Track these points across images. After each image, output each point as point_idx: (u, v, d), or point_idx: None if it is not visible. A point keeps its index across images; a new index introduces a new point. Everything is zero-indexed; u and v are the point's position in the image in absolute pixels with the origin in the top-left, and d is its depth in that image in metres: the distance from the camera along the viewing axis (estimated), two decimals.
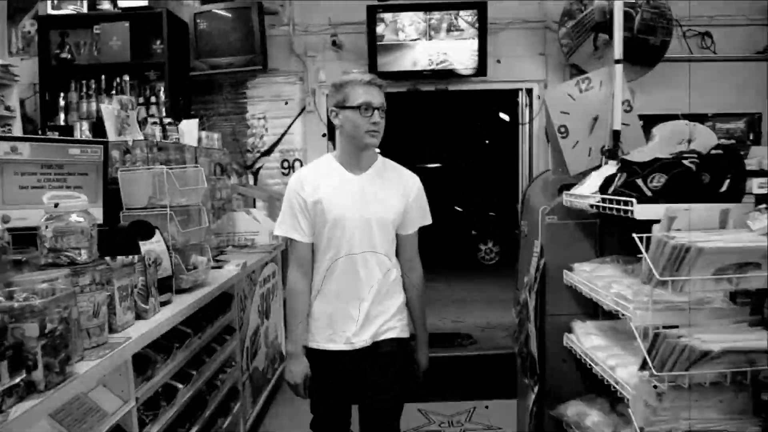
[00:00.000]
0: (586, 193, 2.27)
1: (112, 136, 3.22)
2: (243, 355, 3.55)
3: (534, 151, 5.41)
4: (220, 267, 3.36)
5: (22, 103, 5.03)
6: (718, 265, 1.65)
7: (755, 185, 1.79)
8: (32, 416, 1.55)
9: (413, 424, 3.85)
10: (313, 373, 2.40)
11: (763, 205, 1.76)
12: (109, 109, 3.24)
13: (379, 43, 5.03)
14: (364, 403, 2.38)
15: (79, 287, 1.90)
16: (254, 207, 4.77)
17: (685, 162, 1.87)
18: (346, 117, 2.28)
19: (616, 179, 2.05)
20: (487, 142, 10.16)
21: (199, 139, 4.09)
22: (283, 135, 5.31)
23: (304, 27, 5.31)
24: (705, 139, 2.09)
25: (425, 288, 2.54)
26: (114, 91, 4.96)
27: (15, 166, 2.30)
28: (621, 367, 2.05)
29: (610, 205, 2.00)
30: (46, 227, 1.97)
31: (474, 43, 5.06)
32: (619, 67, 2.59)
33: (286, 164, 5.36)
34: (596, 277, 2.29)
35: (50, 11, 5.06)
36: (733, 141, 2.04)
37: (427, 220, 2.49)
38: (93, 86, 5.00)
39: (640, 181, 1.90)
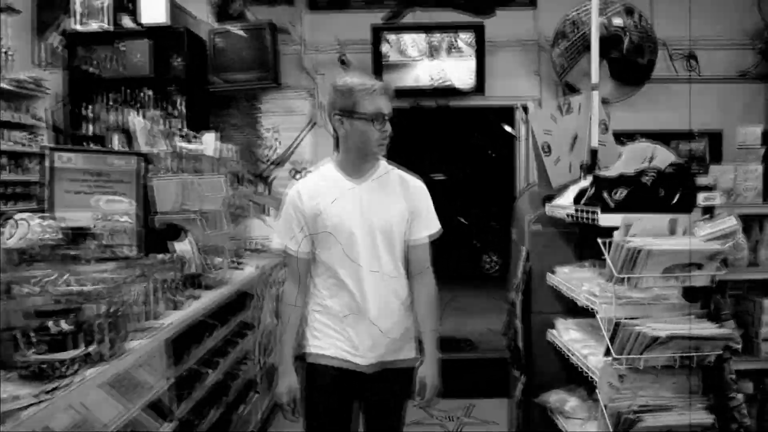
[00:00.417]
0: (565, 203, 2.61)
1: (141, 147, 3.56)
2: (259, 351, 3.88)
3: (530, 165, 5.75)
4: (238, 268, 3.69)
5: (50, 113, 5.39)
6: (666, 265, 1.98)
7: (701, 198, 2.13)
8: (99, 379, 1.89)
9: (414, 418, 4.15)
10: (309, 383, 2.29)
11: (708, 216, 2.09)
12: (140, 122, 3.58)
13: (383, 61, 5.39)
14: (368, 421, 2.35)
15: (127, 278, 2.23)
16: (267, 214, 5.11)
17: (644, 178, 2.21)
18: (355, 126, 2.14)
19: (588, 192, 2.38)
20: (492, 154, 10.50)
21: (218, 150, 4.43)
22: (293, 147, 5.66)
23: (314, 46, 5.67)
24: (664, 157, 2.42)
25: (438, 303, 2.37)
26: (137, 104, 5.33)
27: (68, 173, 2.65)
28: (592, 356, 2.37)
29: (581, 215, 2.34)
30: (100, 226, 2.30)
31: (472, 63, 5.42)
32: (595, 93, 2.92)
33: (298, 175, 5.70)
34: (574, 278, 2.62)
35: (77, 27, 5.41)
36: (684, 160, 2.34)
37: (434, 228, 2.33)
38: (117, 98, 5.36)
39: (605, 194, 2.24)
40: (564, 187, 2.88)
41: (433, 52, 5.41)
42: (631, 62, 5.68)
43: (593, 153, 2.91)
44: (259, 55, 5.31)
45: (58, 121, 5.63)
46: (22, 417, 1.56)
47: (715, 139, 5.03)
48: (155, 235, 2.86)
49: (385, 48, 5.39)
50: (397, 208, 2.25)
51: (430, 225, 2.32)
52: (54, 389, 1.71)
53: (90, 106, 5.42)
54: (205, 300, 2.92)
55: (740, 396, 2.09)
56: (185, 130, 4.38)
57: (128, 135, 3.64)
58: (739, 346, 2.08)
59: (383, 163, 2.32)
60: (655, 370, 2.11)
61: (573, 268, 2.74)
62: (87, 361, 1.86)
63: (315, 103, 5.64)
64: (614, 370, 2.13)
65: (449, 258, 10.07)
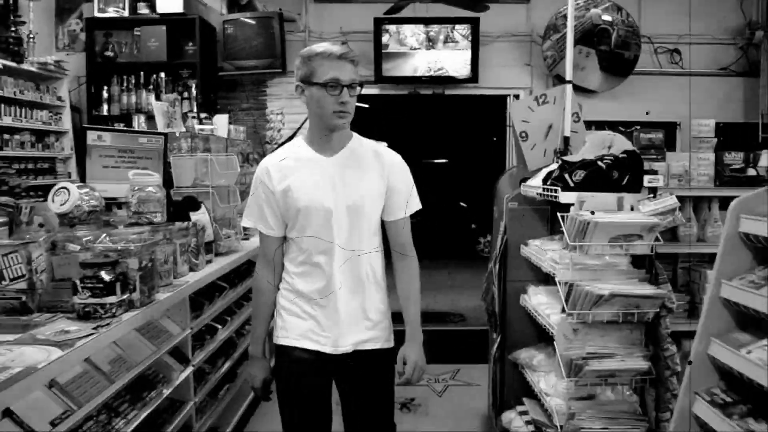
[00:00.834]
0: (535, 184, 2.97)
1: (161, 128, 3.92)
2: None
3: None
4: (246, 239, 4.07)
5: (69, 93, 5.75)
6: (611, 235, 2.35)
7: (646, 180, 2.49)
8: (132, 323, 2.27)
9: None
10: (281, 373, 2.22)
11: (652, 195, 2.46)
12: (159, 105, 3.94)
13: (384, 51, 5.74)
14: (347, 410, 2.26)
15: (156, 240, 2.61)
16: None
17: (600, 163, 2.57)
18: (312, 94, 2.02)
19: (553, 173, 2.75)
20: (495, 139, 10.86)
21: (228, 131, 4.78)
22: (298, 129, 6.02)
23: (319, 34, 6.01)
24: (621, 145, 2.78)
25: (419, 280, 2.28)
26: (151, 86, 5.69)
27: (100, 150, 3.02)
28: (554, 315, 2.75)
29: (547, 193, 2.71)
30: (132, 196, 2.68)
31: (467, 54, 5.76)
32: (569, 86, 3.27)
33: None
34: (543, 250, 2.99)
35: (96, 14, 5.75)
36: (635, 149, 2.67)
37: (414, 206, 2.22)
38: (133, 81, 5.72)
39: (567, 176, 2.60)
40: (538, 170, 3.24)
41: (430, 43, 5.76)
42: (617, 55, 6.04)
43: (565, 140, 3.27)
44: (268, 43, 5.65)
45: (77, 101, 6.00)
46: (77, 345, 1.94)
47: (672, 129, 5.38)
48: (176, 206, 3.23)
49: (385, 38, 5.73)
50: (371, 183, 2.13)
51: (409, 203, 2.21)
52: (99, 327, 2.09)
53: (107, 88, 5.78)
54: (218, 265, 3.29)
55: (673, 347, 2.47)
56: (197, 112, 4.73)
57: (150, 116, 4.00)
58: (674, 306, 2.45)
59: (356, 136, 2.20)
60: (602, 324, 2.48)
61: (543, 240, 3.11)
62: (124, 306, 2.24)
63: None
64: (568, 324, 2.51)
65: (448, 239, 10.49)
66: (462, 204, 11.24)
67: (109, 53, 5.77)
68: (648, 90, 6.03)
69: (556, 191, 2.59)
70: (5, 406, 1.58)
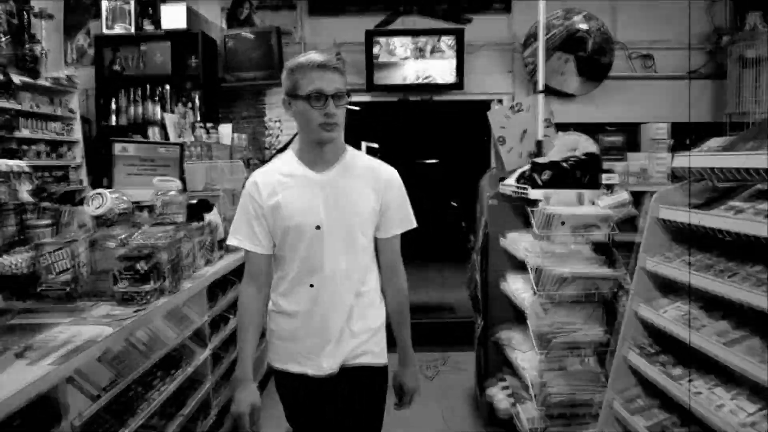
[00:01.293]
0: (510, 183, 3.37)
1: (173, 138, 4.30)
2: None
3: None
4: None
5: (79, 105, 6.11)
6: (572, 225, 2.75)
7: (603, 178, 2.89)
8: (164, 308, 2.65)
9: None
10: (282, 392, 2.16)
11: (608, 191, 2.86)
12: (171, 117, 4.32)
13: (375, 61, 6.12)
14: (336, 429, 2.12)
15: (179, 237, 2.99)
16: None
17: (564, 164, 2.97)
18: (298, 108, 1.94)
19: (525, 173, 3.14)
20: (486, 139, 11.24)
21: (232, 139, 5.17)
22: (295, 136, 6.39)
23: (314, 45, 6.37)
24: (584, 147, 3.18)
25: (408, 298, 2.18)
26: (157, 98, 6.05)
27: (124, 159, 3.40)
28: (527, 296, 3.14)
29: (519, 191, 3.10)
30: (157, 199, 3.06)
31: (453, 62, 6.15)
32: (541, 96, 3.67)
33: None
34: (518, 241, 3.39)
35: (104, 31, 6.12)
36: (594, 151, 3.03)
37: (409, 224, 2.12)
38: (139, 93, 6.08)
39: (536, 175, 3.00)
40: (515, 171, 3.64)
41: (418, 53, 6.15)
42: (594, 61, 6.44)
43: (538, 143, 3.67)
44: (266, 56, 6.03)
45: (85, 112, 6.35)
46: (123, 324, 2.31)
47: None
48: (191, 207, 3.60)
49: (376, 49, 6.11)
50: (365, 200, 2.03)
51: (403, 221, 2.11)
52: (137, 310, 2.47)
53: (115, 100, 6.14)
54: (229, 260, 3.66)
55: None
56: (204, 122, 5.10)
57: (163, 127, 4.38)
58: (629, 286, 2.85)
59: (350, 150, 2.10)
60: (568, 303, 2.88)
61: (520, 233, 3.50)
62: (156, 293, 2.61)
63: None
64: (539, 303, 2.90)
65: (438, 238, 10.90)
66: (453, 203, 11.65)
67: (117, 67, 6.13)
68: (622, 93, 6.44)
69: (526, 189, 2.99)
70: (71, 372, 1.95)
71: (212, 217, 3.65)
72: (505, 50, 6.48)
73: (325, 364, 2.05)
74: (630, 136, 3.63)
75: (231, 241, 2.11)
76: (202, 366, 3.17)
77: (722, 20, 6.50)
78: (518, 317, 3.51)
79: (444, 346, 5.45)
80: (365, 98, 6.30)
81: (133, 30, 6.10)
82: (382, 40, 6.12)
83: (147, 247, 2.62)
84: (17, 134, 5.14)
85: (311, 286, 2.03)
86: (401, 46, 6.14)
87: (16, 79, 5.09)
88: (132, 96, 6.10)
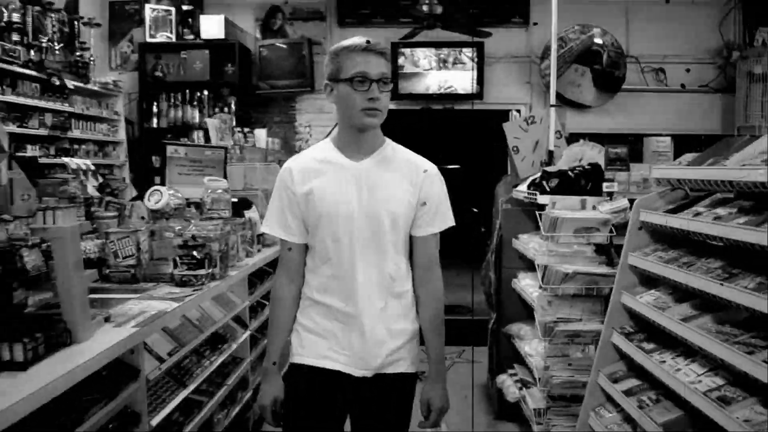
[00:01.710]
0: (522, 189, 3.72)
1: (214, 141, 4.70)
2: None
3: None
4: None
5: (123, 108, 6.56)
6: (575, 227, 3.09)
7: (605, 187, 3.23)
8: (215, 291, 3.03)
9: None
10: (294, 395, 2.02)
11: (609, 198, 3.20)
12: (213, 122, 4.72)
13: (400, 71, 6.50)
14: None
15: (227, 231, 3.38)
16: None
17: (570, 173, 3.31)
18: (340, 92, 1.86)
19: (536, 180, 3.49)
20: (504, 146, 11.57)
21: (266, 143, 5.56)
22: (334, 127, 6.78)
23: None
24: (589, 158, 3.52)
25: (443, 305, 2.06)
26: (195, 103, 6.48)
27: (176, 160, 3.80)
28: (535, 292, 3.49)
29: (529, 196, 3.45)
30: (207, 197, 3.45)
31: (473, 73, 6.52)
32: (553, 110, 4.01)
33: None
34: (529, 242, 3.74)
35: (147, 39, 6.57)
36: (597, 162, 3.37)
37: (448, 222, 2.02)
38: (179, 98, 6.52)
39: (545, 182, 3.34)
40: (527, 178, 3.98)
41: (441, 64, 6.52)
42: (609, 74, 6.77)
43: (549, 153, 4.02)
44: (298, 65, 6.44)
45: (128, 114, 6.80)
46: (185, 301, 2.70)
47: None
48: (233, 205, 4.00)
49: (401, 60, 6.50)
50: (401, 192, 1.94)
51: (441, 218, 2.01)
52: (195, 290, 2.86)
53: (157, 104, 6.59)
54: (266, 253, 4.04)
55: None
56: (241, 127, 5.51)
57: (205, 131, 4.79)
58: None
59: (389, 141, 2.02)
60: (570, 297, 3.22)
61: (530, 235, 3.85)
62: (209, 278, 3.00)
63: None
64: (544, 297, 3.25)
65: (459, 242, 11.27)
66: (474, 209, 11.99)
67: (159, 73, 6.57)
68: (635, 105, 6.75)
69: (535, 195, 3.34)
70: (150, 334, 2.34)
71: (252, 214, 4.04)
72: (524, 62, 6.83)
73: (358, 365, 1.95)
74: (634, 148, 3.96)
75: (264, 229, 2.05)
76: (243, 345, 3.56)
77: (732, 36, 6.79)
78: (528, 313, 3.84)
79: (460, 342, 5.80)
80: (390, 106, 6.65)
81: (174, 38, 6.54)
82: (407, 51, 6.50)
83: (201, 238, 3.01)
84: (69, 134, 5.58)
85: (344, 279, 1.93)
86: (425, 57, 6.51)
87: (70, 83, 5.54)
88: (172, 100, 6.54)
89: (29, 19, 5.24)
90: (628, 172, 3.74)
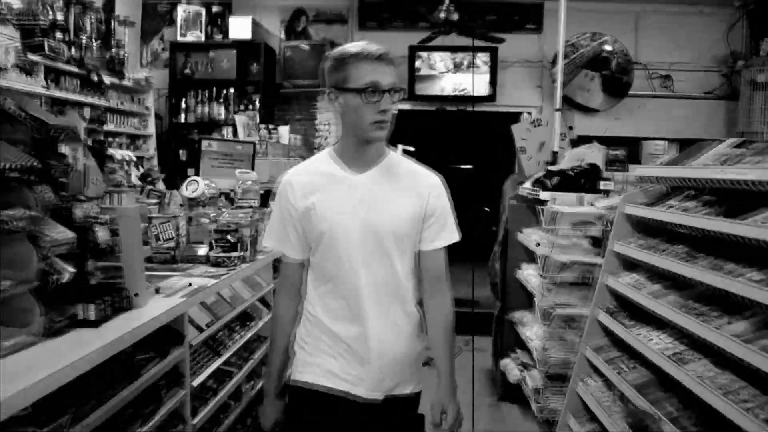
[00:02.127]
0: (527, 186, 4.03)
1: (242, 137, 5.05)
2: None
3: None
4: None
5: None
6: (572, 221, 3.40)
7: (601, 185, 3.53)
8: (246, 272, 3.37)
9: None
10: (292, 416, 1.97)
11: (605, 195, 3.50)
12: (242, 119, 5.07)
13: (416, 74, 6.83)
14: None
15: (256, 218, 3.71)
16: None
17: (570, 172, 3.62)
18: (347, 102, 1.78)
19: (539, 178, 3.80)
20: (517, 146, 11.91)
21: (289, 139, 5.90)
22: None
23: None
24: (590, 159, 3.82)
25: (453, 319, 2.00)
26: (222, 100, 6.84)
27: (209, 153, 4.14)
28: (536, 281, 3.80)
29: (532, 193, 3.76)
30: (239, 187, 3.79)
31: (487, 77, 6.82)
32: (557, 114, 4.31)
33: None
34: (531, 235, 4.04)
35: (178, 38, 6.93)
36: (595, 162, 3.66)
37: (454, 236, 1.95)
38: (206, 95, 6.87)
39: (547, 180, 3.65)
40: (532, 177, 4.29)
41: (456, 67, 6.83)
42: (617, 79, 7.04)
43: (554, 154, 4.32)
44: (320, 66, 6.75)
45: (157, 109, 7.17)
46: (222, 278, 3.03)
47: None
48: (261, 196, 4.33)
49: (418, 63, 6.82)
50: (406, 206, 1.87)
51: (446, 232, 1.94)
52: (229, 270, 3.19)
53: (185, 100, 6.94)
54: None
55: None
56: (266, 124, 5.85)
57: (233, 127, 5.13)
58: None
59: (392, 152, 1.95)
60: (568, 285, 3.53)
61: (534, 229, 4.15)
62: (240, 260, 3.34)
63: None
64: (544, 285, 3.56)
65: (470, 240, 11.58)
66: (486, 209, 12.30)
67: (188, 71, 6.93)
68: (642, 110, 7.02)
69: (537, 191, 3.65)
70: (196, 303, 2.68)
71: None
72: (535, 66, 7.12)
73: (368, 387, 1.87)
74: (632, 150, 4.25)
75: (266, 243, 2.02)
76: (267, 324, 3.89)
77: (738, 45, 7.03)
78: (529, 301, 4.16)
79: (468, 332, 6.11)
80: (406, 106, 6.99)
81: (203, 38, 6.89)
82: (424, 54, 6.81)
83: (234, 224, 3.35)
84: (105, 128, 5.95)
85: (347, 297, 1.86)
86: (440, 60, 6.83)
87: (107, 79, 5.91)
88: (200, 97, 6.88)
89: (71, 18, 5.60)
90: (625, 173, 4.02)
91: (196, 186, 3.66)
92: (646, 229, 2.65)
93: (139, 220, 2.32)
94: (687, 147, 4.94)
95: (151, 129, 6.81)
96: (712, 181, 2.05)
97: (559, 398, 3.54)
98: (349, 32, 7.14)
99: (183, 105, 6.93)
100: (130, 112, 6.42)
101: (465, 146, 10.84)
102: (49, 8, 5.31)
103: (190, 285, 2.70)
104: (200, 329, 2.86)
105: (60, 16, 5.44)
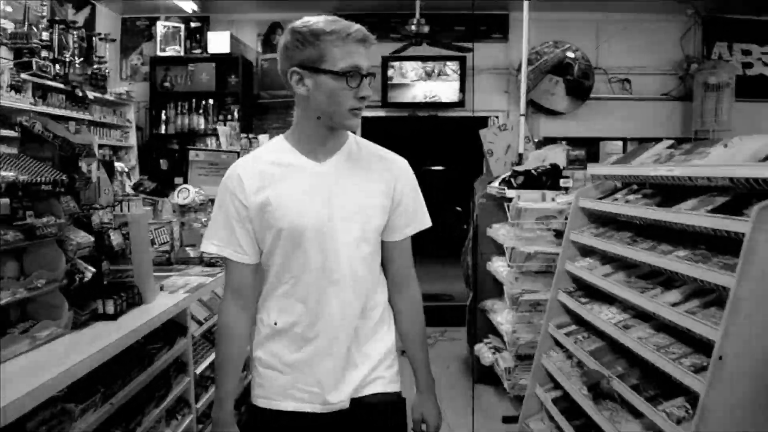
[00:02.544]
0: (495, 185, 4.35)
1: (224, 146, 5.30)
2: None
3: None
4: None
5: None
6: (536, 216, 3.73)
7: (561, 182, 3.87)
8: None
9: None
10: None
11: (565, 192, 3.84)
12: (224, 129, 5.32)
13: (389, 82, 7.14)
14: None
15: None
16: None
17: (533, 171, 3.94)
18: (320, 84, 1.57)
19: (506, 178, 4.12)
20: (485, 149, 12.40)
21: None
22: None
23: None
24: (551, 159, 4.15)
25: (423, 311, 1.88)
26: (201, 111, 7.08)
27: (197, 163, 4.40)
28: (505, 271, 4.12)
29: (500, 191, 4.08)
30: None
31: (457, 84, 7.16)
32: (522, 119, 4.65)
33: None
34: (500, 230, 4.36)
35: (158, 53, 7.16)
36: (556, 162, 3.98)
37: (426, 221, 1.81)
38: (186, 107, 7.11)
39: (513, 180, 3.98)
40: (499, 177, 4.62)
41: (426, 76, 7.16)
42: (579, 83, 7.43)
43: (519, 156, 4.65)
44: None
45: (137, 121, 7.38)
46: (216, 277, 3.29)
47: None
48: None
49: (390, 72, 7.13)
50: (375, 196, 1.71)
51: (417, 218, 1.79)
52: (221, 270, 3.45)
53: (165, 112, 7.17)
54: None
55: None
56: (247, 133, 6.09)
57: (216, 136, 5.38)
58: None
59: (351, 135, 1.75)
60: (533, 273, 3.84)
61: (502, 224, 4.47)
62: None
63: None
64: (512, 274, 3.88)
65: (443, 238, 11.95)
66: (457, 208, 12.69)
67: (168, 84, 7.16)
68: (603, 112, 7.41)
69: (504, 190, 3.98)
70: (196, 299, 2.95)
71: None
72: (502, 73, 7.48)
73: (333, 398, 1.69)
74: (593, 150, 4.61)
75: (207, 248, 1.71)
76: None
77: (692, 50, 7.47)
78: (499, 290, 4.47)
79: (443, 324, 6.43)
80: (380, 113, 7.31)
81: (182, 52, 7.13)
82: (396, 64, 7.13)
83: None
84: None
85: (308, 301, 1.67)
86: (412, 69, 7.15)
87: (90, 94, 6.12)
88: (179, 109, 7.12)
89: (55, 36, 5.81)
90: (584, 171, 4.36)
91: (187, 194, 3.91)
92: (598, 219, 2.98)
93: (147, 225, 2.59)
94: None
95: (132, 140, 7.03)
96: (648, 177, 2.38)
97: (528, 375, 3.85)
98: None
99: (163, 116, 7.16)
100: (111, 124, 6.64)
101: (437, 150, 11.21)
102: (35, 28, 5.53)
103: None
104: (200, 323, 3.13)
105: (45, 36, 5.66)
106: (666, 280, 2.32)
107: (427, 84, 7.21)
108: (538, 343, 3.21)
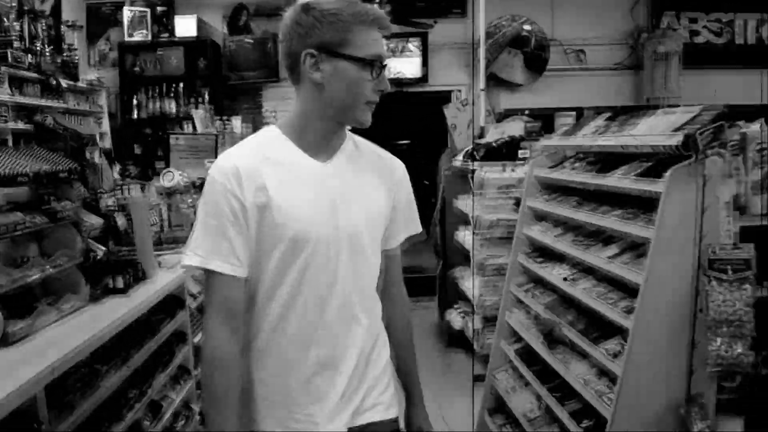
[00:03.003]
0: (459, 159, 4.68)
1: (200, 129, 5.52)
2: None
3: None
4: None
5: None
6: (497, 185, 4.07)
7: (519, 153, 4.21)
8: None
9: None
10: None
11: (523, 162, 4.18)
12: (199, 113, 5.54)
13: None
14: None
15: None
16: None
17: (494, 144, 4.28)
18: (342, 71, 1.42)
19: (469, 152, 4.45)
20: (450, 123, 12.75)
21: (241, 129, 6.38)
22: None
23: None
24: (510, 131, 4.49)
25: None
26: (172, 95, 7.24)
27: (177, 147, 4.63)
28: (470, 239, 4.46)
29: (463, 164, 4.41)
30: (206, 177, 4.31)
31: (419, 60, 7.44)
32: (482, 93, 4.96)
33: None
34: (465, 201, 4.70)
35: (126, 39, 7.28)
36: (515, 135, 4.31)
37: (418, 225, 1.72)
38: (157, 91, 7.26)
39: (475, 153, 4.31)
40: (463, 150, 4.95)
41: (390, 53, 7.42)
42: (537, 56, 7.75)
43: (481, 129, 4.98)
44: (263, 58, 7.24)
45: (110, 108, 7.51)
46: None
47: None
48: None
49: None
50: (379, 201, 1.59)
51: (412, 223, 1.71)
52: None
53: (136, 97, 7.31)
54: None
55: None
56: (221, 116, 6.31)
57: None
58: None
59: (348, 133, 1.61)
60: (497, 240, 4.20)
61: (468, 196, 4.81)
62: None
63: None
64: (477, 241, 4.22)
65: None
66: (425, 182, 13.06)
67: (137, 69, 7.29)
68: (560, 83, 7.75)
69: (468, 163, 4.31)
70: (189, 275, 3.23)
71: None
72: (463, 49, 7.75)
73: (332, 426, 1.52)
74: (547, 122, 4.95)
75: (191, 261, 1.46)
76: None
77: (642, 20, 7.84)
78: (467, 259, 4.83)
79: (414, 295, 6.78)
80: None
81: (150, 37, 7.26)
82: None
83: None
84: None
85: (312, 320, 1.50)
86: None
87: (63, 82, 6.25)
88: (150, 93, 7.27)
89: (25, 26, 5.92)
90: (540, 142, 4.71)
91: (171, 176, 4.16)
92: (551, 187, 3.33)
93: (147, 207, 2.85)
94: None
95: (106, 127, 7.17)
96: (589, 147, 2.73)
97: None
98: None
99: (135, 102, 7.30)
100: (85, 111, 6.77)
101: (402, 125, 11.50)
102: (6, 19, 5.64)
103: None
104: (194, 296, 3.41)
105: (17, 26, 5.77)
106: (606, 237, 2.68)
107: (391, 61, 7.43)
108: (501, 302, 3.56)
